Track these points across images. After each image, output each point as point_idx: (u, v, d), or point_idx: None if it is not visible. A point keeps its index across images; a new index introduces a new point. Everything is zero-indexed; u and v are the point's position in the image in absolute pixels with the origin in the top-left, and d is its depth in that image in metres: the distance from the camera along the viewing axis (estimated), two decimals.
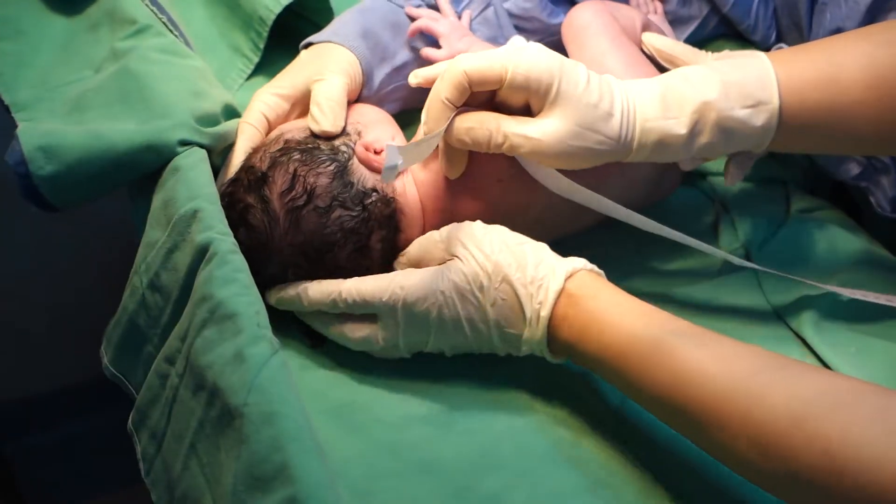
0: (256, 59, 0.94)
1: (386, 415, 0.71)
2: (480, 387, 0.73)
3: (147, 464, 0.70)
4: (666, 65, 0.91)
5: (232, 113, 0.81)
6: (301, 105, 0.82)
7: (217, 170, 0.79)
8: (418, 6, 0.91)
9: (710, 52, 0.91)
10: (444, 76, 0.70)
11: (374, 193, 0.75)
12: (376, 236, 0.75)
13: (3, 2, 0.91)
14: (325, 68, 0.81)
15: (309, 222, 0.73)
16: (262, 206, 0.74)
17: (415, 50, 0.89)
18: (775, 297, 0.83)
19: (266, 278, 0.74)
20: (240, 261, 0.67)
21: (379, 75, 0.86)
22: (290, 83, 0.82)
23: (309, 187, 0.74)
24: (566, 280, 0.68)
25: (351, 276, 0.73)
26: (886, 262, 0.87)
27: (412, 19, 0.90)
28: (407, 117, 0.89)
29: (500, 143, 0.70)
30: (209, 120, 0.78)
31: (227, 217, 0.71)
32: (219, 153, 0.79)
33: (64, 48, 0.89)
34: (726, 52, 0.90)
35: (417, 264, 0.74)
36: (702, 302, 0.82)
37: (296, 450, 0.57)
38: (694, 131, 0.70)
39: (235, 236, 0.69)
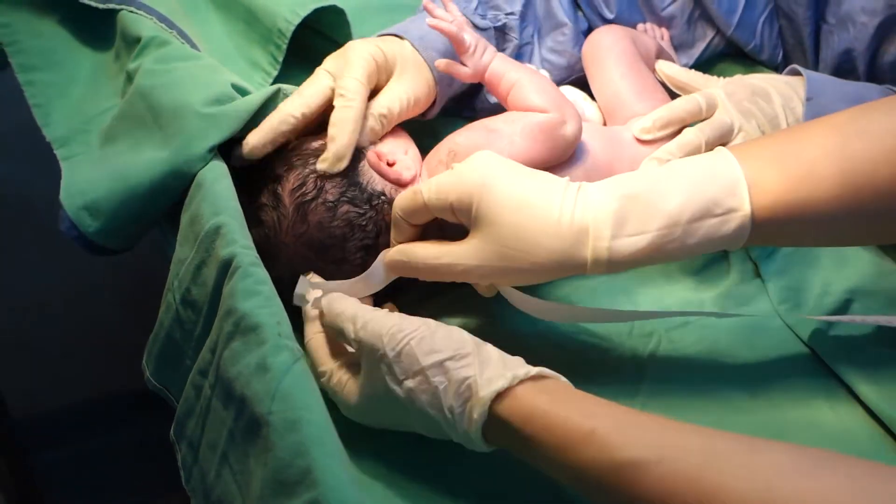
0: (275, 73, 0.94)
1: None
2: None
3: (186, 472, 0.71)
4: (678, 91, 0.93)
5: (238, 89, 0.81)
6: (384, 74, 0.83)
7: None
8: (485, 29, 0.94)
9: (720, 78, 0.93)
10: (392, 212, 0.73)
11: (383, 196, 0.77)
12: (384, 238, 0.76)
13: (42, 34, 0.94)
14: (401, 79, 0.82)
15: (316, 214, 0.75)
16: (273, 204, 0.76)
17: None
18: (783, 307, 0.82)
19: (280, 274, 0.72)
20: (262, 273, 0.68)
21: (448, 93, 0.89)
22: (382, 58, 0.82)
23: (319, 183, 0.76)
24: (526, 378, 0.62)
25: (359, 273, 0.74)
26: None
27: None
28: (427, 129, 0.91)
29: (433, 272, 0.70)
30: (224, 99, 0.79)
31: (246, 216, 0.72)
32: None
33: (94, 78, 0.92)
34: (738, 77, 0.90)
35: None
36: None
37: (319, 454, 0.58)
38: (659, 244, 0.67)
39: (252, 236, 0.71)
